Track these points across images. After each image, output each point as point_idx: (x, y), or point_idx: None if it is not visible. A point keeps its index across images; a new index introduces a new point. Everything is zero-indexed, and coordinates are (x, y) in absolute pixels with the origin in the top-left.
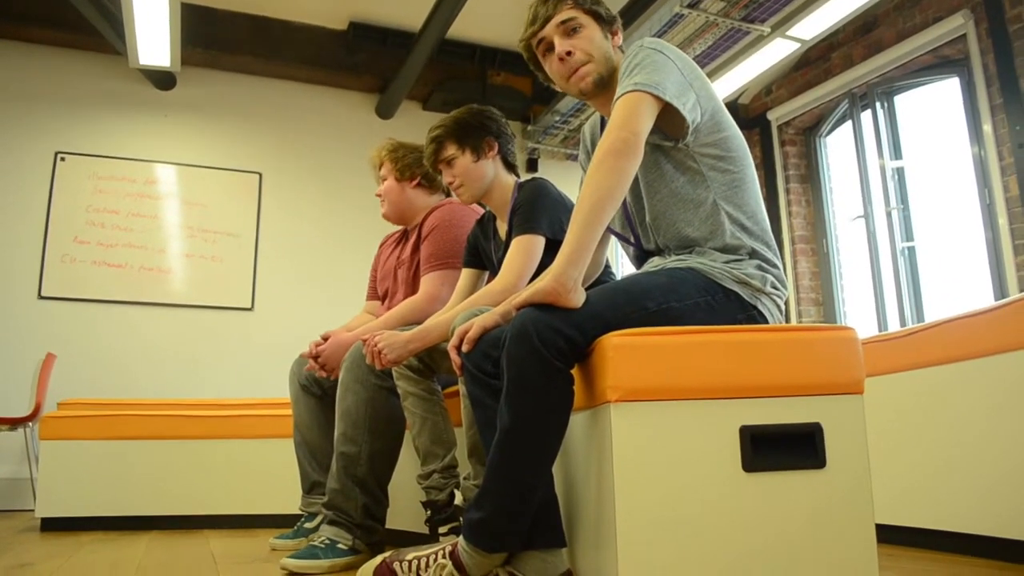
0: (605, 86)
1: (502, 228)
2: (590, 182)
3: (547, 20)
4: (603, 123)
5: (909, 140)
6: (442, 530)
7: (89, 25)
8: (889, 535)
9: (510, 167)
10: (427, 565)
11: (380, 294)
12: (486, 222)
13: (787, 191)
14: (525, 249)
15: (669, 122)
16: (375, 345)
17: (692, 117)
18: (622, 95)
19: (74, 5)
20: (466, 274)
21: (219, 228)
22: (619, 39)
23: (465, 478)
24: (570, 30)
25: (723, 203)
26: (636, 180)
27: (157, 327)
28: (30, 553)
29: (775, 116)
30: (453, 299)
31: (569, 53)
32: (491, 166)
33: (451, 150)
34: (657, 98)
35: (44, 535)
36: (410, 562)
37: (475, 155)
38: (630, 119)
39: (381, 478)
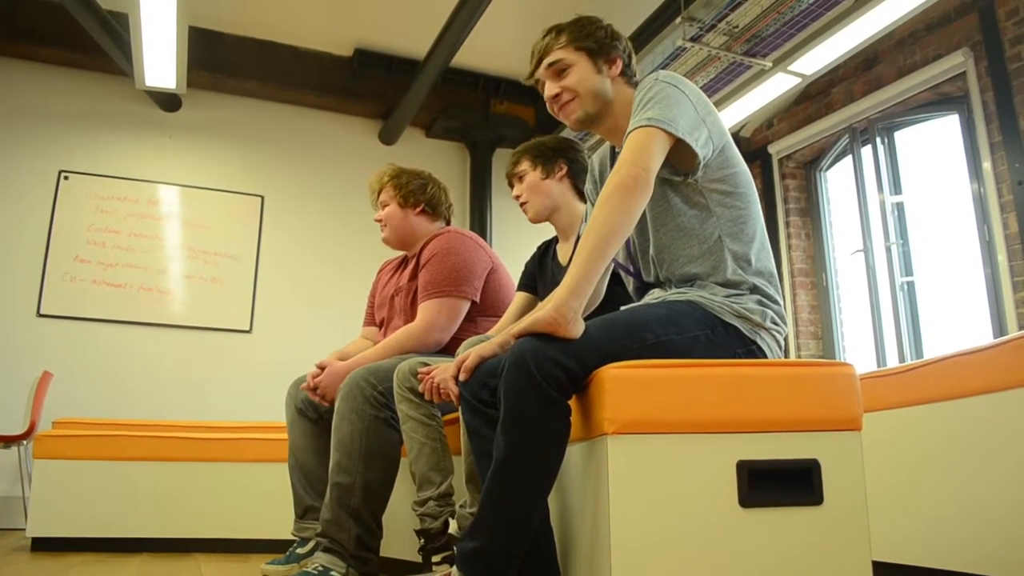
0: (597, 120)
1: (564, 249)
2: (598, 216)
3: (539, 61)
4: (612, 152)
5: (909, 176)
6: (435, 559)
7: (96, 46)
8: (886, 573)
9: (580, 195)
10: None
11: (378, 320)
12: (547, 246)
13: (787, 224)
14: None
15: (680, 157)
16: (433, 379)
17: (704, 153)
18: (634, 129)
19: (82, 26)
20: (518, 297)
21: (220, 250)
22: (617, 67)
23: (462, 506)
24: (558, 72)
25: (727, 239)
26: (643, 213)
27: (155, 347)
28: (20, 573)
29: (776, 149)
30: (503, 320)
31: (557, 95)
32: (558, 187)
33: (524, 165)
34: (669, 134)
35: (34, 555)
36: None
37: (544, 173)
38: (641, 155)
39: (375, 509)
